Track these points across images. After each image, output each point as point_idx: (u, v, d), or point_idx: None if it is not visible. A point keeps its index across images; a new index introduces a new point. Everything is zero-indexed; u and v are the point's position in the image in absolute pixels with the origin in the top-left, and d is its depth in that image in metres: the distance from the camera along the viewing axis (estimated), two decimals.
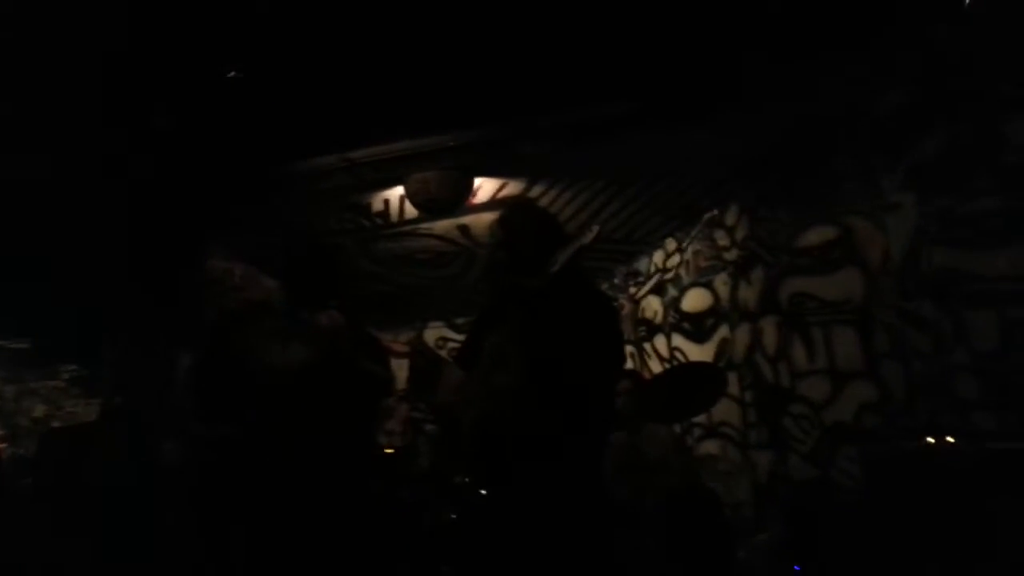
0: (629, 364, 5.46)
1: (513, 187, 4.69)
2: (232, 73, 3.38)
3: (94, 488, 4.14)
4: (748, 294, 4.73)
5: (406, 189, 4.57)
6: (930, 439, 2.87)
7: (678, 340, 5.46)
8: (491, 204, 4.79)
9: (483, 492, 2.58)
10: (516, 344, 2.38)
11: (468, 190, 4.61)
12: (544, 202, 4.82)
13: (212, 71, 3.38)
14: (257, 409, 2.70)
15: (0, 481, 5.54)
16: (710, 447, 4.98)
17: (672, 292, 5.59)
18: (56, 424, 7.09)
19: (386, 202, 4.84)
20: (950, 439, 2.81)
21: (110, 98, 3.48)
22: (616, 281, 6.39)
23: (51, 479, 4.75)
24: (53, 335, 5.86)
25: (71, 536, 4.03)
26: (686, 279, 5.43)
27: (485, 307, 2.82)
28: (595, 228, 2.36)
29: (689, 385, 4.22)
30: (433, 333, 7.56)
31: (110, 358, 4.91)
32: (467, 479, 3.68)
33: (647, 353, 5.84)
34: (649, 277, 5.95)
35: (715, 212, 5.11)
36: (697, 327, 5.27)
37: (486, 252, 5.36)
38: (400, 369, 7.26)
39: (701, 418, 4.96)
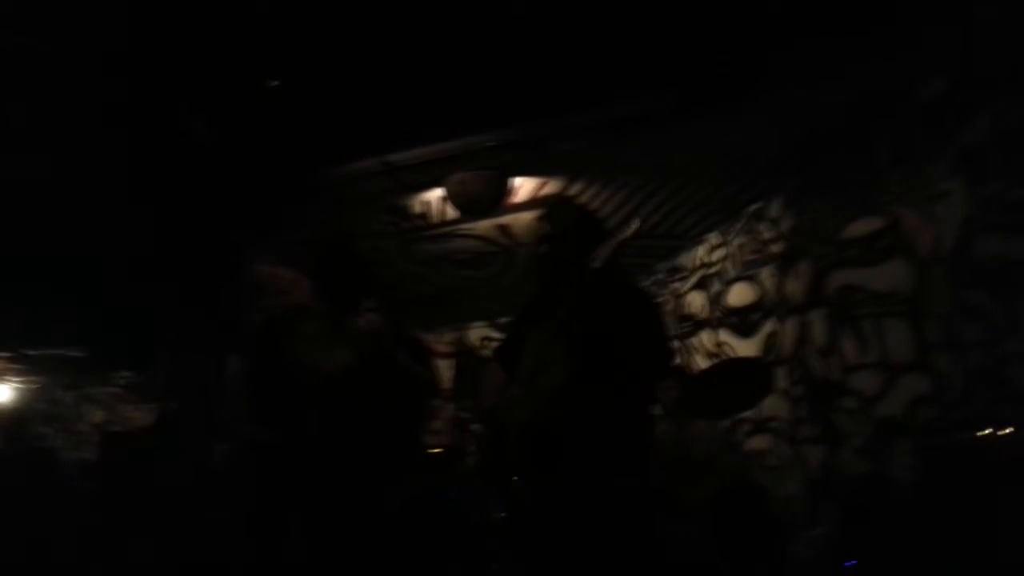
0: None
1: (552, 186, 4.69)
2: (274, 83, 3.44)
3: (154, 490, 4.26)
4: (795, 287, 4.65)
5: (445, 191, 4.60)
6: (988, 430, 2.79)
7: (724, 335, 5.40)
8: (530, 203, 4.79)
9: (531, 491, 2.58)
10: (561, 341, 2.38)
11: (507, 190, 4.62)
12: (583, 200, 4.80)
13: (252, 77, 3.44)
14: (305, 412, 2.75)
15: (64, 485, 5.74)
16: (760, 442, 4.91)
17: (717, 286, 5.53)
18: (114, 429, 7.32)
19: (425, 204, 4.87)
20: (1008, 430, 2.73)
21: (153, 106, 3.56)
22: (658, 277, 6.34)
23: (112, 482, 4.91)
24: (107, 343, 6.03)
25: (133, 537, 4.15)
26: (731, 273, 5.37)
27: (526, 305, 2.82)
28: (635, 223, 2.37)
29: (735, 381, 4.18)
30: (477, 333, 7.60)
31: (162, 364, 5.04)
32: (515, 478, 3.69)
33: (692, 349, 5.79)
34: (692, 272, 5.89)
35: (758, 205, 5.04)
36: (743, 321, 5.21)
37: (528, 251, 5.37)
38: (445, 369, 7.37)
39: (750, 413, 4.89)
